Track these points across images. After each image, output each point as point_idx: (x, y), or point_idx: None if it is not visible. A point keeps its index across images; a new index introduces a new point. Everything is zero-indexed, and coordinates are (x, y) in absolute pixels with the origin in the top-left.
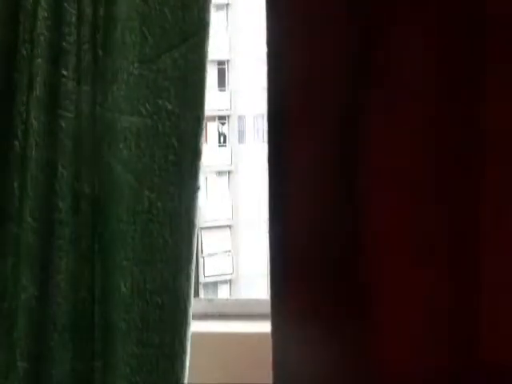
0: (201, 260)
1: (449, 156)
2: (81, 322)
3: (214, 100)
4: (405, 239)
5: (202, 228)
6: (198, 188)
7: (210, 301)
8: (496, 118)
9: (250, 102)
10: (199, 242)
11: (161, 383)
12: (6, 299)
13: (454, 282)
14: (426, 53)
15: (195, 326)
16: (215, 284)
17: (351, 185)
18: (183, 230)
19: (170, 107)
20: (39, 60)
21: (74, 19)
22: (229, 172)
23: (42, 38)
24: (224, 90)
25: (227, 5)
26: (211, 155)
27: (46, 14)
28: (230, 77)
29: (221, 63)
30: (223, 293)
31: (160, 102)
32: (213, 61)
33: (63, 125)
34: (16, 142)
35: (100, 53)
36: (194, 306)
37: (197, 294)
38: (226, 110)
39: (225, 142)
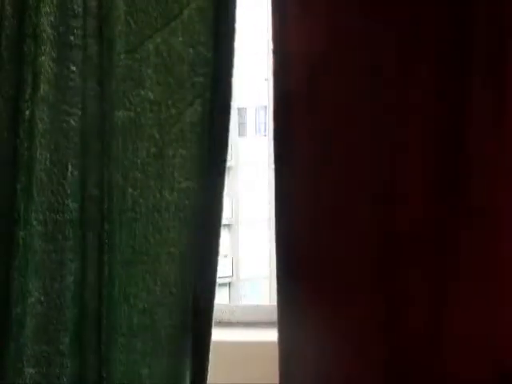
0: None
1: None
2: (90, 326)
3: None
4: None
5: None
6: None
7: None
8: None
9: (251, 93)
10: None
11: None
12: (13, 304)
13: None
14: None
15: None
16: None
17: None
18: (176, 227)
19: (152, 97)
20: (43, 58)
21: (80, 12)
22: (228, 168)
23: (44, 34)
24: None
25: None
26: None
27: (48, 10)
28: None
29: None
30: (222, 297)
31: (142, 92)
32: None
33: (72, 123)
34: (19, 143)
35: (105, 46)
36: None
37: None
38: None
39: None
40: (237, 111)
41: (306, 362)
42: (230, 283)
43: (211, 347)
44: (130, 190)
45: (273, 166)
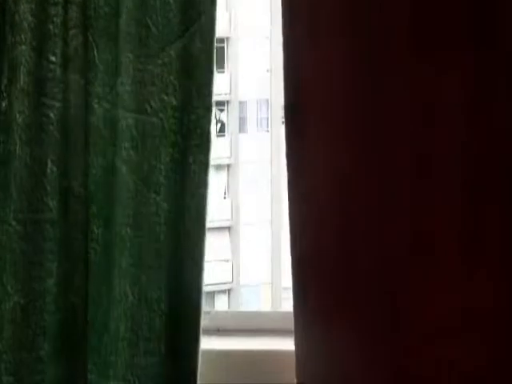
0: None
1: None
2: (74, 331)
3: None
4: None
5: None
6: (206, 185)
7: (206, 313)
8: None
9: (252, 86)
10: None
11: None
12: None
13: None
14: None
15: None
16: (212, 294)
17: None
18: (193, 232)
19: (175, 102)
20: (23, 47)
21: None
22: (228, 166)
23: (25, 22)
24: (223, 72)
25: None
26: None
27: None
28: (230, 56)
29: (219, 41)
30: (221, 304)
31: (166, 97)
32: None
33: (51, 115)
34: None
35: (91, 39)
36: None
37: None
38: (225, 94)
39: (223, 131)
40: (237, 105)
41: (324, 369)
42: (229, 290)
43: (209, 356)
44: (152, 194)
45: (274, 164)
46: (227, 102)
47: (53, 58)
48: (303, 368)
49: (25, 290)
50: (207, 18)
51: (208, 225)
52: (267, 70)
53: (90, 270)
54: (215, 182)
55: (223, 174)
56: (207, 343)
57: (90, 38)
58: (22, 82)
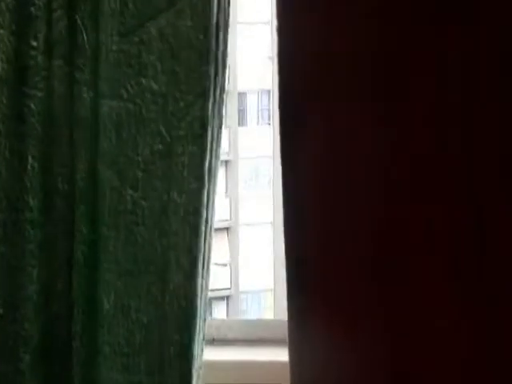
0: None
1: None
2: (56, 342)
3: None
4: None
5: None
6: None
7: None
8: None
9: (252, 76)
10: None
11: None
12: None
13: None
14: None
15: None
16: (209, 301)
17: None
18: (182, 233)
19: (155, 87)
20: (2, 31)
21: None
22: (226, 162)
23: (3, 4)
24: None
25: None
26: None
27: None
28: (229, 45)
29: None
30: (219, 312)
31: (144, 81)
32: None
33: (32, 106)
34: None
35: (79, 22)
36: None
37: None
38: None
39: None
40: (236, 96)
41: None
42: (228, 296)
43: (206, 367)
44: (129, 190)
45: (274, 162)
46: (226, 93)
47: (34, 43)
48: (298, 376)
49: (3, 297)
50: None
51: (209, 226)
52: (268, 57)
53: (75, 274)
54: None
55: (221, 169)
56: (204, 354)
57: (79, 21)
58: (1, 70)
